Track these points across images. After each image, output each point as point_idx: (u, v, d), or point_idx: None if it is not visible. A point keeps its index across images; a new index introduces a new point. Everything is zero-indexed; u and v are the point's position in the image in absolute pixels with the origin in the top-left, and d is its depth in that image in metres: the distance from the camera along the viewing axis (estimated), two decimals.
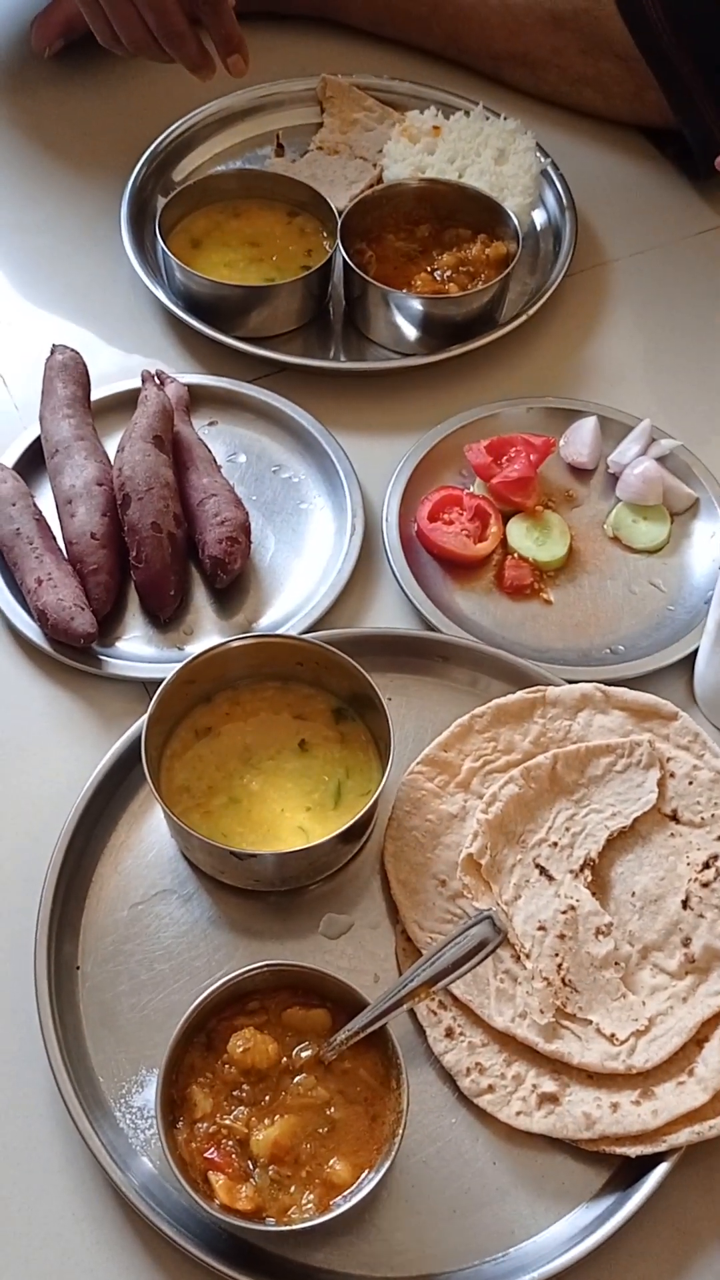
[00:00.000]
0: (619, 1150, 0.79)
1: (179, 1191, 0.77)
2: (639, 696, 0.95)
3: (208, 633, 1.04)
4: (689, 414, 1.19)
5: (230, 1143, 0.76)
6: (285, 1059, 0.78)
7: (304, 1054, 0.78)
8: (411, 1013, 0.84)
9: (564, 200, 1.32)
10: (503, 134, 1.31)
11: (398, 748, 0.89)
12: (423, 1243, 0.78)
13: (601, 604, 1.06)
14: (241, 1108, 0.77)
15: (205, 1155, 0.75)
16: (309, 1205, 0.74)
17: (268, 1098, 0.77)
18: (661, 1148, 0.78)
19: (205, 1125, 0.76)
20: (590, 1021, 0.82)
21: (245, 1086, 0.77)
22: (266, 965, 0.80)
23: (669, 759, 0.92)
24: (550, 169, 1.34)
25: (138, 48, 1.25)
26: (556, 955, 0.84)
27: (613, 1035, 0.81)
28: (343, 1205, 0.74)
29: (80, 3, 1.25)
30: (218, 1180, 0.74)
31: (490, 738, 0.94)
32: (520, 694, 0.95)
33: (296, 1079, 0.78)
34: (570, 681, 0.97)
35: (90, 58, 1.41)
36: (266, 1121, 0.76)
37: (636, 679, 0.99)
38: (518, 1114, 0.81)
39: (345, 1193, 0.74)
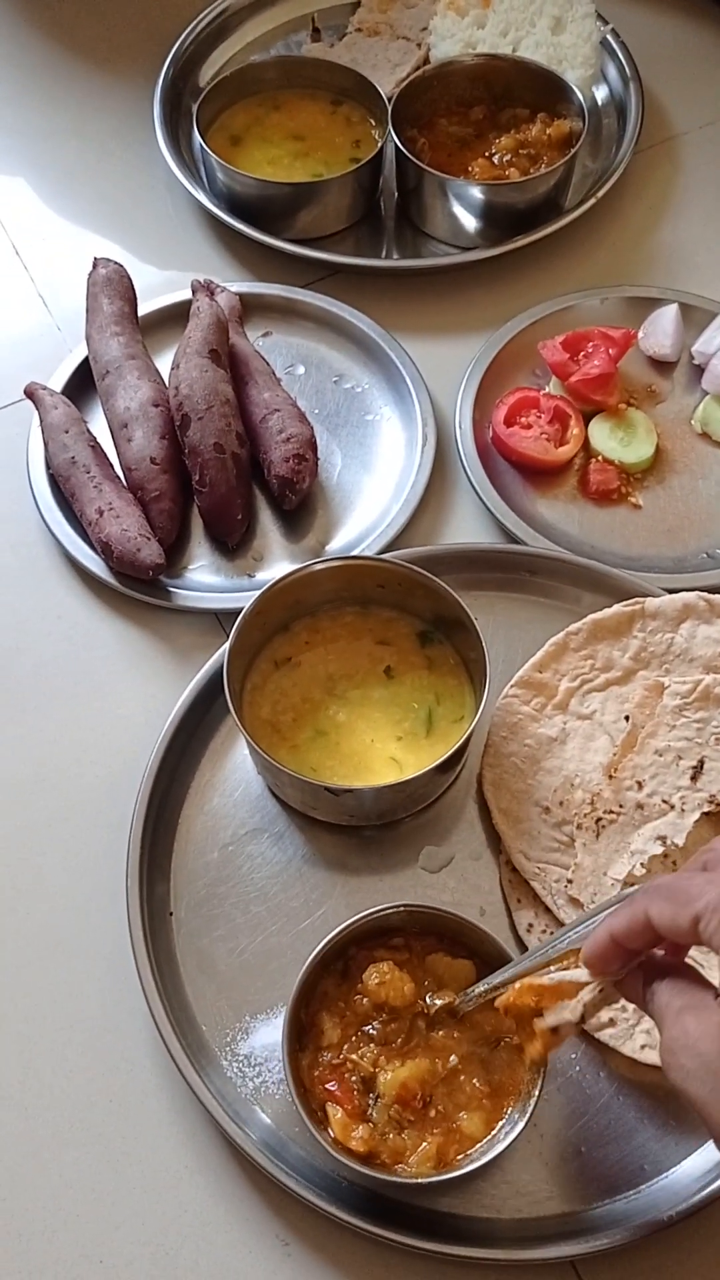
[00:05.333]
0: None
1: (294, 1117, 0.74)
2: None
3: (277, 558, 0.98)
4: None
5: (354, 1078, 0.73)
6: (420, 1002, 0.75)
7: (438, 1002, 0.75)
8: (523, 945, 0.81)
9: (627, 71, 1.23)
10: (558, 0, 1.21)
11: (489, 670, 0.84)
12: (551, 1183, 0.75)
13: (694, 506, 1.00)
14: (371, 1045, 0.73)
15: (326, 1086, 0.73)
16: (424, 1152, 0.71)
17: (399, 1040, 0.74)
18: None
19: (330, 1055, 0.73)
20: None
21: (376, 1024, 0.74)
22: (404, 906, 0.76)
23: None
24: (610, 37, 1.24)
25: None
26: None
27: None
28: (479, 1159, 0.70)
29: None
30: (335, 1114, 0.71)
31: (587, 655, 0.89)
32: (617, 607, 0.90)
33: (431, 1027, 0.74)
34: (668, 590, 0.91)
35: None
36: (396, 1062, 0.73)
37: None
38: (642, 1047, 0.77)
39: (480, 1144, 0.71)
